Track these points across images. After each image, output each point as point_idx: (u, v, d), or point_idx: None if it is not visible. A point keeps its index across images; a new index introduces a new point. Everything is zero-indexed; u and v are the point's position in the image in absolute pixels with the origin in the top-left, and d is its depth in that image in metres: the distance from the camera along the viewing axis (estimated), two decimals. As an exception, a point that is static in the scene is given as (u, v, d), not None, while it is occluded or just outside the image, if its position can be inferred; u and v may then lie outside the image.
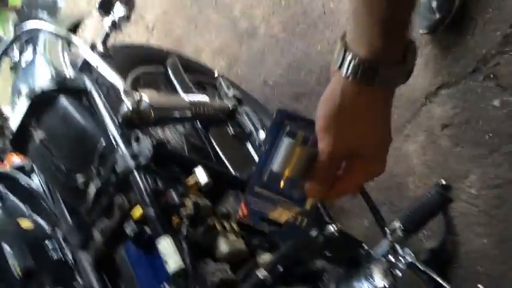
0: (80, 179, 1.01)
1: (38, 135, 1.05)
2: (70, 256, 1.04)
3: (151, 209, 0.86)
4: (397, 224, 1.14)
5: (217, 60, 2.32)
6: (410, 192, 1.52)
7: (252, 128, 1.32)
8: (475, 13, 1.41)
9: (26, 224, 1.07)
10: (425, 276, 1.14)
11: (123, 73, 1.23)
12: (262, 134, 1.27)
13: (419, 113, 1.54)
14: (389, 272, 1.00)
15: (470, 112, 1.43)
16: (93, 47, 1.20)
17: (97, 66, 1.02)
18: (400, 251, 1.15)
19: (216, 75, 1.52)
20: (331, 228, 0.87)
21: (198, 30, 2.50)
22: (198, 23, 2.51)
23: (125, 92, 0.94)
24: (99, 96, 1.04)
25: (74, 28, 1.56)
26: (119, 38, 1.89)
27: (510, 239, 1.33)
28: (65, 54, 1.28)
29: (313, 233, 0.85)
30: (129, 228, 0.86)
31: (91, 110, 1.05)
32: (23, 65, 1.30)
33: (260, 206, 0.60)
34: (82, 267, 0.98)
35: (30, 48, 1.32)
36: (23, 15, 2.39)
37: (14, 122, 1.08)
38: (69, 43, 1.26)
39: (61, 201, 1.13)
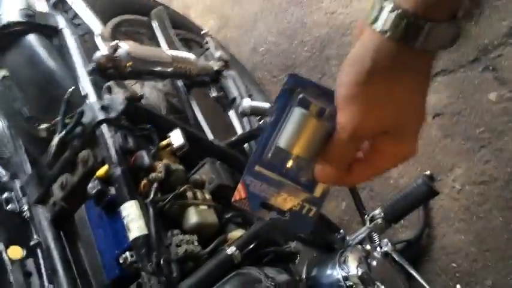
0: (43, 127, 0.92)
1: (0, 71, 0.95)
2: (26, 209, 0.96)
3: (118, 168, 0.80)
4: (377, 212, 1.10)
5: (206, 20, 2.21)
6: (392, 180, 1.48)
7: (237, 93, 1.24)
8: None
9: (-21, 169, 0.99)
10: (399, 267, 1.11)
11: (103, 19, 1.14)
12: (247, 102, 1.18)
13: (413, 99, 1.49)
14: (364, 260, 0.95)
15: (464, 103, 1.40)
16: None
17: (72, 3, 0.91)
18: (377, 239, 1.11)
19: (203, 32, 1.43)
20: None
21: (189, -16, 2.37)
22: (189, -23, 2.38)
23: (102, 35, 0.84)
24: (72, 37, 0.94)
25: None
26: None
27: (487, 238, 1.31)
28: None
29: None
30: (91, 186, 0.80)
31: (61, 52, 0.96)
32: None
33: (260, 189, 0.49)
34: (38, 222, 0.93)
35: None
36: None
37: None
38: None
39: (23, 149, 1.04)
